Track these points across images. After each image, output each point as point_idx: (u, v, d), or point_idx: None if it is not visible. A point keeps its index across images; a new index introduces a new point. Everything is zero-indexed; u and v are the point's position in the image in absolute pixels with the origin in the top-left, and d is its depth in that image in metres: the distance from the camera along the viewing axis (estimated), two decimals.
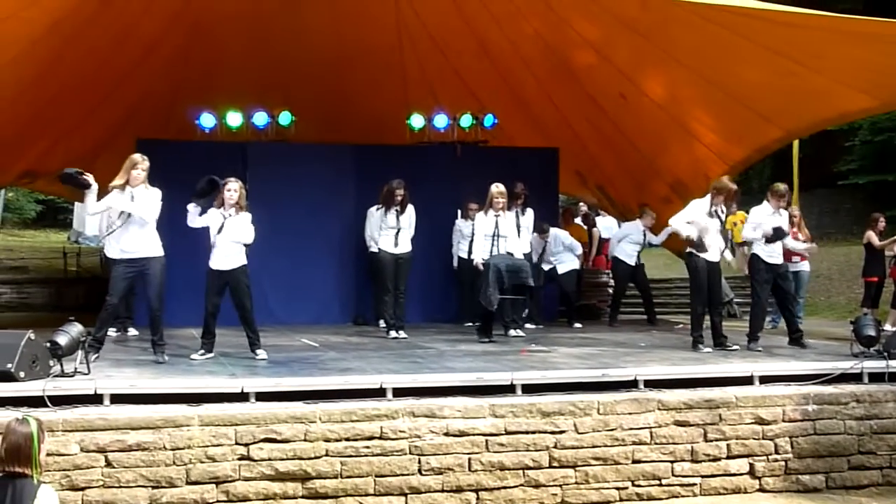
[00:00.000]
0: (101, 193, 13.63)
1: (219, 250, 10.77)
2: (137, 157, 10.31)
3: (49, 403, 8.08)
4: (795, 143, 18.91)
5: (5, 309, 20.06)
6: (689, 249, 12.06)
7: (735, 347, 11.67)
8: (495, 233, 12.72)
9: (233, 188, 10.65)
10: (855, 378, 9.98)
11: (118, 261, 10.33)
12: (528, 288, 12.84)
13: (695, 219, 11.80)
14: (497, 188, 12.91)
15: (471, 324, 15.04)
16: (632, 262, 15.96)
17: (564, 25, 15.03)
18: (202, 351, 10.74)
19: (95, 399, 8.28)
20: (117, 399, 8.32)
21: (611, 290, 17.46)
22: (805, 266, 16.04)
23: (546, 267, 15.58)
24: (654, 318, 16.10)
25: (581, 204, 21.98)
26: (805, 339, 12.16)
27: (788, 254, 15.53)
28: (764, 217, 12.10)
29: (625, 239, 16.05)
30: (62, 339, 8.99)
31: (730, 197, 11.80)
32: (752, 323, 12.21)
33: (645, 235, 15.97)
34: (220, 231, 10.71)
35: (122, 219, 10.27)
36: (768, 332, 13.04)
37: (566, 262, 15.74)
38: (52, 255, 23.74)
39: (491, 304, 12.34)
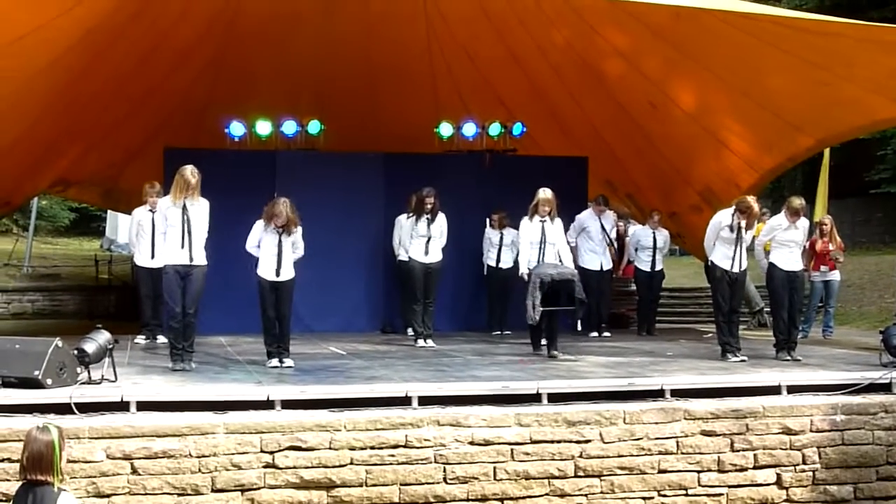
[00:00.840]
0: (136, 202, 13.86)
1: (273, 263, 10.95)
2: (190, 171, 10.32)
3: (76, 410, 8.13)
4: (826, 152, 18.79)
5: (38, 316, 20.23)
6: (710, 260, 12.04)
7: (737, 360, 11.61)
8: (542, 240, 12.39)
9: (280, 220, 10.87)
10: (884, 388, 9.91)
11: (168, 267, 10.38)
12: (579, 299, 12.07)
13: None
14: (544, 193, 12.55)
15: (499, 332, 15.07)
16: (646, 268, 15.84)
17: (594, 34, 15.02)
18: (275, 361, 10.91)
19: (122, 406, 8.33)
20: (144, 406, 8.37)
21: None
22: (835, 275, 15.94)
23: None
24: (651, 329, 15.90)
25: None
26: (795, 353, 11.92)
27: (818, 264, 15.49)
28: (778, 228, 12.10)
29: (637, 245, 15.96)
30: (89, 347, 9.07)
31: (752, 217, 11.75)
32: (777, 332, 12.16)
33: (655, 239, 15.79)
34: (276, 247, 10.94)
35: (177, 229, 10.29)
36: (799, 342, 12.92)
37: None
38: (84, 262, 23.89)
39: (532, 319, 11.87)
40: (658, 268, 15.85)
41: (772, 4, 23.67)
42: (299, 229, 11.06)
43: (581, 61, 15.91)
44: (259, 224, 10.99)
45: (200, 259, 10.36)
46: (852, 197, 27.47)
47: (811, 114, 14.07)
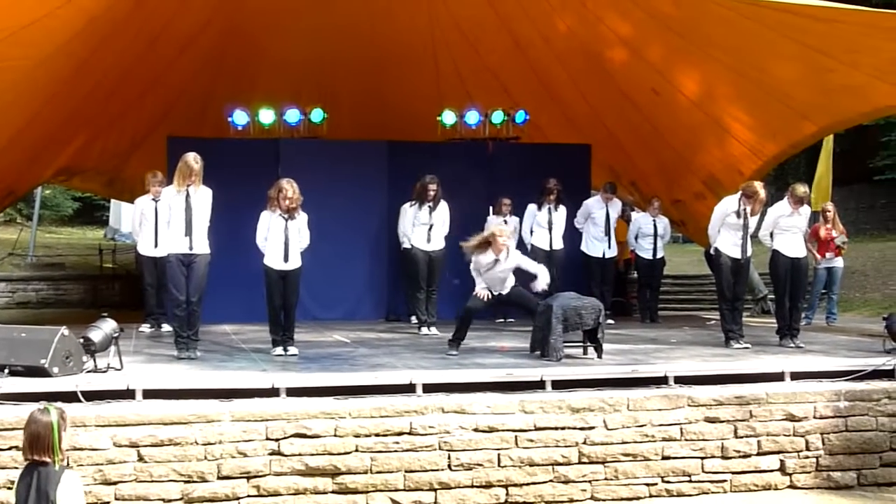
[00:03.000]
0: (139, 192, 13.88)
1: (280, 251, 10.99)
2: (193, 157, 10.33)
3: (82, 399, 8.17)
4: (829, 139, 18.78)
5: (42, 305, 20.28)
6: (714, 247, 12.06)
7: (741, 347, 11.64)
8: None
9: (288, 194, 10.90)
10: (887, 374, 9.93)
11: (171, 256, 10.41)
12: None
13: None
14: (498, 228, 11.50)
15: (502, 320, 15.09)
16: (647, 255, 15.84)
17: (598, 22, 15.00)
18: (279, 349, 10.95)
19: (128, 394, 8.37)
20: (150, 394, 8.40)
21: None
22: (839, 262, 15.97)
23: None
24: (654, 316, 15.92)
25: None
26: (798, 340, 11.95)
27: (823, 250, 15.50)
28: (781, 216, 12.10)
29: (638, 232, 15.94)
30: (95, 336, 9.11)
31: (758, 203, 11.75)
32: (779, 318, 12.19)
33: (656, 227, 15.80)
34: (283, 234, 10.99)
35: (180, 217, 10.31)
36: (802, 329, 12.94)
37: None
38: (88, 251, 23.93)
39: (557, 355, 10.31)
40: (659, 255, 15.86)
41: None
42: (304, 216, 11.09)
43: (584, 49, 15.89)
44: (265, 214, 11.01)
45: (203, 247, 10.38)
46: (856, 183, 27.48)
47: (815, 100, 14.06)
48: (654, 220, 15.78)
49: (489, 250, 10.95)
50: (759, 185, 11.86)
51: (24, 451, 5.72)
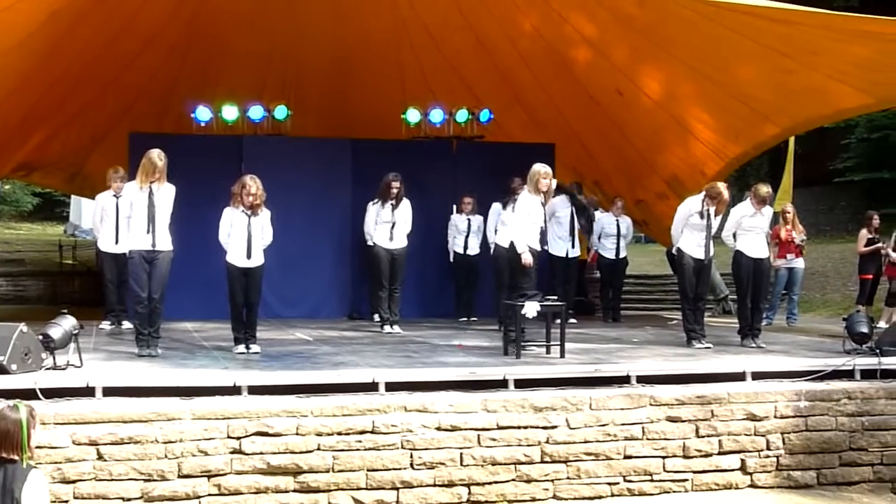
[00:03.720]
0: (100, 187, 13.77)
1: (243, 248, 10.91)
2: (157, 154, 10.27)
3: (41, 396, 8.08)
4: (791, 140, 18.92)
5: (1, 301, 20.08)
6: (676, 247, 12.10)
7: (702, 347, 11.69)
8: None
9: (252, 191, 10.83)
10: (847, 375, 9.99)
11: (133, 252, 10.34)
12: None
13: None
14: (543, 167, 11.30)
15: (465, 319, 15.09)
16: (610, 255, 15.86)
17: (562, 22, 15.04)
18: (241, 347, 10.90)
19: (88, 392, 8.29)
20: (109, 392, 8.32)
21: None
22: (799, 263, 16.09)
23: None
24: (617, 316, 15.95)
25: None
26: (759, 340, 12.01)
27: (783, 251, 15.62)
28: (743, 216, 12.16)
29: (601, 232, 15.96)
30: (55, 332, 9.01)
31: (721, 204, 11.80)
32: (741, 318, 12.25)
33: (619, 227, 15.82)
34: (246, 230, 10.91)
35: (142, 214, 10.24)
36: (763, 329, 13.01)
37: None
38: (48, 247, 23.76)
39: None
40: (622, 255, 15.90)
41: None
42: (267, 213, 11.04)
43: (549, 48, 15.93)
44: (227, 211, 10.95)
45: (166, 244, 10.31)
46: (817, 185, 27.69)
47: (777, 102, 14.16)
48: (616, 220, 15.82)
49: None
50: (722, 187, 11.91)
51: None
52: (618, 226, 15.77)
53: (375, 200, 13.63)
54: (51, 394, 8.17)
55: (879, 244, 16.16)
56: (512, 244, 11.27)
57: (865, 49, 11.73)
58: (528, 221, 11.26)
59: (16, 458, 5.57)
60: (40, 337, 8.90)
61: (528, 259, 11.10)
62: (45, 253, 23.19)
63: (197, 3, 15.37)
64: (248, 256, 10.87)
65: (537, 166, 11.28)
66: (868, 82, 12.66)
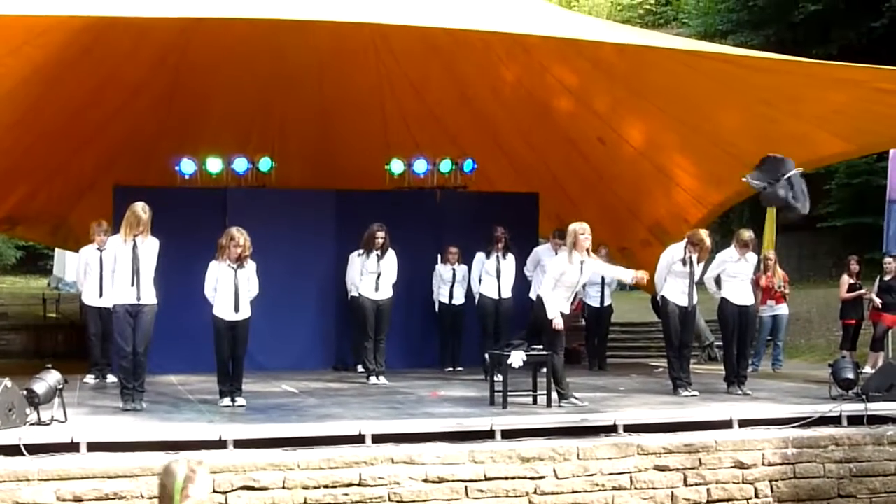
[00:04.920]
0: (84, 241, 13.73)
1: (231, 301, 10.86)
2: (141, 207, 10.28)
3: (25, 452, 8.03)
4: None
5: None
6: (661, 294, 12.12)
7: (689, 394, 11.68)
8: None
9: (239, 242, 10.80)
10: (834, 421, 10.03)
11: (118, 307, 10.31)
12: None
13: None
14: (580, 225, 11.03)
15: (451, 369, 15.05)
16: (595, 303, 15.86)
17: (543, 71, 15.14)
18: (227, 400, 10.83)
19: (72, 447, 8.25)
20: (94, 447, 8.29)
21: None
22: (783, 309, 16.11)
23: None
24: (602, 364, 15.92)
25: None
26: (745, 387, 12.00)
27: (765, 298, 15.64)
28: (727, 262, 12.21)
29: (586, 280, 15.90)
30: (39, 388, 8.97)
31: (703, 251, 11.85)
32: (727, 366, 12.26)
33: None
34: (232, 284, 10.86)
35: (126, 267, 10.22)
36: (749, 376, 13.02)
37: None
38: (31, 301, 23.62)
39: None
40: (607, 303, 15.89)
41: (717, 42, 24.03)
42: (253, 265, 11.01)
43: (530, 98, 16.02)
44: (213, 265, 10.92)
45: (150, 298, 10.30)
46: (799, 231, 27.76)
47: (758, 149, 14.16)
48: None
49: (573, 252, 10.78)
50: (704, 234, 11.96)
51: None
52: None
53: (361, 252, 13.62)
54: (35, 450, 8.13)
55: (861, 290, 16.21)
56: (540, 300, 10.97)
57: (845, 96, 11.85)
58: (562, 284, 10.91)
59: None
60: (24, 392, 8.85)
61: (558, 324, 10.74)
62: (29, 306, 23.05)
63: (181, 55, 15.41)
64: (237, 310, 10.84)
65: (575, 225, 10.98)
66: (848, 129, 12.79)
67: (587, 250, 10.89)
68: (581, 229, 10.85)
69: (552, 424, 9.44)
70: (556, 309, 10.74)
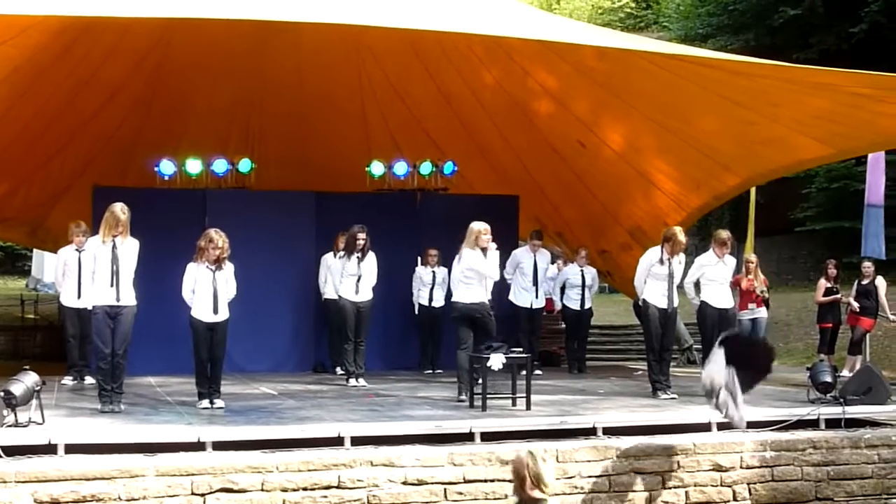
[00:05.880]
0: (63, 241, 13.66)
1: (209, 303, 10.81)
2: (120, 208, 10.24)
3: (2, 454, 8.00)
4: (753, 190, 19.08)
5: None
6: (642, 298, 12.15)
7: (667, 397, 11.71)
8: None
9: (218, 244, 10.76)
10: (812, 424, 10.08)
11: (97, 308, 10.26)
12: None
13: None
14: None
15: (430, 371, 15.04)
16: (575, 306, 15.87)
17: (524, 75, 15.15)
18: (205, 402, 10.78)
19: (50, 449, 8.22)
20: (72, 449, 8.25)
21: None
22: (762, 313, 16.13)
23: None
24: (582, 367, 15.94)
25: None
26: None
27: (745, 301, 15.68)
28: (706, 265, 12.25)
29: (566, 283, 15.99)
30: (16, 389, 8.91)
31: (676, 245, 11.88)
32: None
33: (584, 276, 15.86)
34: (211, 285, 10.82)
35: (106, 268, 10.18)
36: None
37: None
38: (9, 302, 23.48)
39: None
40: (587, 306, 15.91)
41: (697, 45, 24.11)
42: (231, 266, 10.97)
43: (511, 101, 16.03)
44: (191, 267, 10.88)
45: (129, 299, 10.26)
46: (778, 235, 27.91)
47: (737, 153, 14.30)
48: (581, 270, 15.85)
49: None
50: (677, 229, 12.04)
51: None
52: (583, 276, 15.79)
53: (339, 254, 13.60)
54: (12, 451, 8.10)
55: (838, 294, 16.29)
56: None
57: (824, 100, 11.89)
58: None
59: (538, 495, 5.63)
60: (2, 394, 8.80)
61: None
62: (7, 307, 22.92)
63: (160, 56, 15.37)
64: (215, 311, 10.80)
65: (475, 224, 11.79)
66: (827, 133, 12.83)
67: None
68: (482, 229, 11.68)
69: (531, 427, 9.45)
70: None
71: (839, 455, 9.73)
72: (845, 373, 14.32)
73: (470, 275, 11.64)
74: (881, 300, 16.19)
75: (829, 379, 10.96)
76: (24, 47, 11.86)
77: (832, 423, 10.14)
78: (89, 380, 12.80)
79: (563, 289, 16.01)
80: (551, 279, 16.17)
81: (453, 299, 12.07)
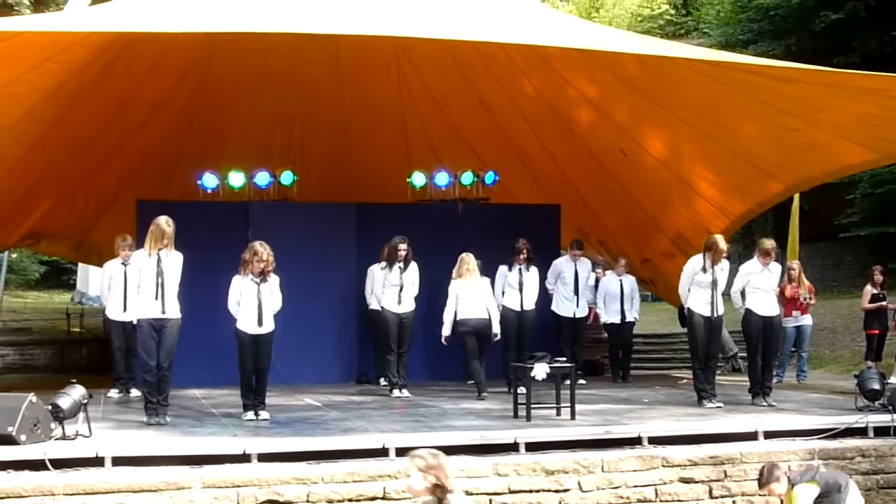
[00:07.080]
0: (108, 255, 13.77)
1: (254, 315, 10.88)
2: (165, 221, 10.33)
3: (50, 467, 8.05)
4: (796, 197, 18.92)
5: (8, 370, 20.00)
6: (686, 306, 12.07)
7: (713, 406, 11.63)
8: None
9: (263, 257, 10.82)
10: (860, 432, 9.96)
11: (142, 321, 10.33)
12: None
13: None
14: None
15: (472, 381, 14.99)
16: (615, 319, 15.78)
17: (564, 83, 15.13)
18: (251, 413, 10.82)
19: (97, 462, 8.27)
20: (119, 462, 8.30)
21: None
22: (807, 320, 16.01)
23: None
24: (626, 376, 15.88)
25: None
26: (770, 398, 11.95)
27: (789, 308, 15.55)
28: (751, 273, 12.16)
29: (605, 294, 15.93)
30: (64, 402, 9.00)
31: (718, 253, 11.80)
32: (752, 377, 12.19)
33: (622, 286, 15.79)
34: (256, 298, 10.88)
35: (151, 281, 10.26)
36: (773, 387, 12.95)
37: None
38: (55, 315, 23.67)
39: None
40: (628, 319, 15.79)
41: (738, 51, 23.96)
42: (276, 278, 11.02)
43: (551, 109, 16.01)
44: (236, 279, 10.93)
45: (174, 312, 10.32)
46: (823, 241, 27.66)
47: (780, 159, 14.20)
48: (620, 280, 15.79)
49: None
50: (718, 238, 11.96)
51: None
52: (621, 285, 15.73)
53: (384, 265, 13.62)
54: (60, 464, 8.15)
55: (884, 301, 16.13)
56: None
57: (867, 105, 11.79)
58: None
59: None
60: (49, 407, 8.88)
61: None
62: (53, 321, 23.11)
63: (202, 71, 15.49)
64: (260, 323, 10.85)
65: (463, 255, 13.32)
66: (871, 138, 12.72)
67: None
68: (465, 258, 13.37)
69: (576, 437, 9.40)
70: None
71: (888, 463, 9.62)
72: (893, 380, 14.16)
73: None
74: None
75: (877, 386, 10.85)
76: (69, 63, 11.97)
77: (881, 432, 10.02)
78: (135, 392, 12.89)
79: (603, 301, 15.94)
80: (592, 287, 16.10)
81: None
